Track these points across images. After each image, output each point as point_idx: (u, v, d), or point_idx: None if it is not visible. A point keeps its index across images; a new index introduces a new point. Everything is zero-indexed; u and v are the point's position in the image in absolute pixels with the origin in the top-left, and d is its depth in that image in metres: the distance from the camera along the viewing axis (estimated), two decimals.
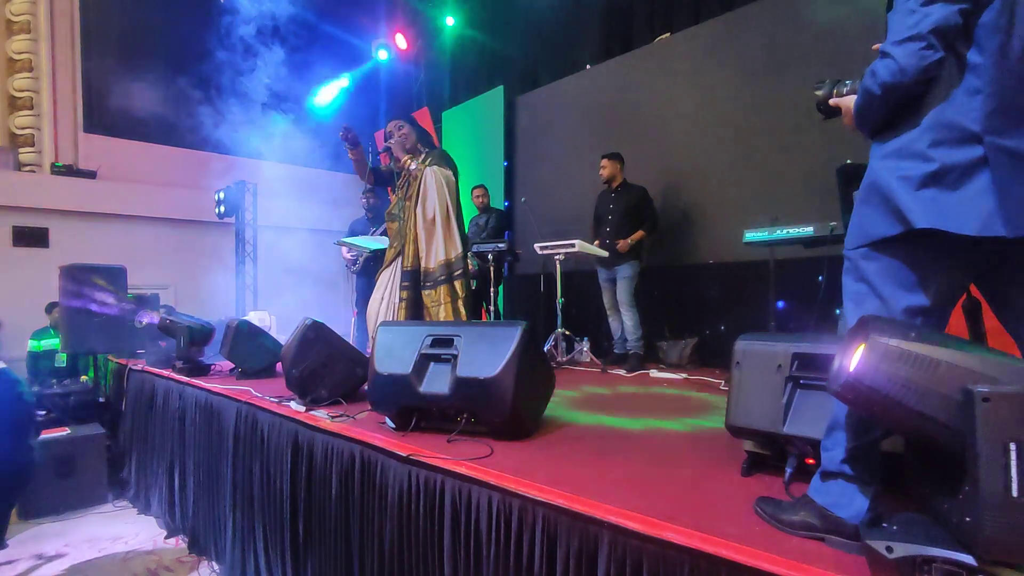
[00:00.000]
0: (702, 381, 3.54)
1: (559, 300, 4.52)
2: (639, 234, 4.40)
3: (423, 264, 3.46)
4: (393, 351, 2.14)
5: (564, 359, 4.44)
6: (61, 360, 5.44)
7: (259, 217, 7.64)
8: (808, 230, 3.34)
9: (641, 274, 4.47)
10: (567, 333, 4.54)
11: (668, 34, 5.44)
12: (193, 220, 8.11)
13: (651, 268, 4.84)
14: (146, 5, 8.06)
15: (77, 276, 4.73)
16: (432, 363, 2.08)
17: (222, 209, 7.47)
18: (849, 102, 1.27)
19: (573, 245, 4.24)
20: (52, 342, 5.65)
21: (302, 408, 2.44)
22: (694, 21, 5.26)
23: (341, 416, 2.29)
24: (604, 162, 4.60)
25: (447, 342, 2.07)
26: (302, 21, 7.40)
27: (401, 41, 8.33)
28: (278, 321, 5.75)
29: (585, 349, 4.60)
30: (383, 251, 3.92)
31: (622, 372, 4.07)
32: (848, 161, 3.19)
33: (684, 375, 3.84)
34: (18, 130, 7.23)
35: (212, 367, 3.77)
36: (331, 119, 8.25)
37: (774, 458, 1.58)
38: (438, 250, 3.44)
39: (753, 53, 4.64)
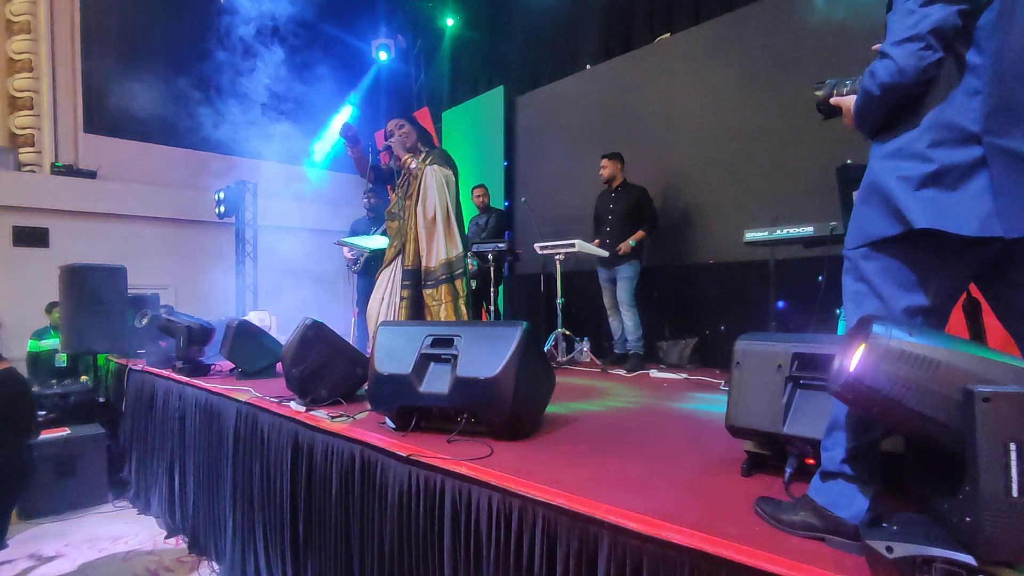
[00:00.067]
0: (702, 381, 3.54)
1: (559, 300, 4.52)
2: (639, 234, 4.40)
3: (424, 263, 3.46)
4: (393, 351, 2.14)
5: (564, 359, 4.44)
6: (61, 360, 5.44)
7: (259, 217, 7.65)
8: (808, 230, 3.34)
9: (641, 274, 4.46)
10: (567, 333, 4.54)
11: (668, 34, 5.44)
12: (193, 220, 8.11)
13: (651, 268, 4.85)
14: (146, 5, 8.06)
15: (77, 276, 4.73)
16: (432, 363, 2.08)
17: (222, 209, 7.48)
18: (849, 102, 1.27)
19: (573, 245, 4.25)
20: (52, 342, 5.65)
21: (302, 408, 2.44)
22: (694, 21, 5.26)
23: (341, 416, 2.29)
24: (604, 162, 4.60)
25: (447, 342, 2.06)
26: (302, 21, 7.38)
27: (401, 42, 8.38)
28: (278, 321, 5.76)
29: (585, 349, 4.60)
30: (383, 251, 3.92)
31: (622, 372, 4.07)
32: (848, 161, 3.19)
33: (684, 375, 3.84)
34: (18, 130, 7.23)
35: (212, 367, 3.77)
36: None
37: (774, 458, 1.58)
38: (439, 249, 3.44)
39: (753, 53, 4.64)
